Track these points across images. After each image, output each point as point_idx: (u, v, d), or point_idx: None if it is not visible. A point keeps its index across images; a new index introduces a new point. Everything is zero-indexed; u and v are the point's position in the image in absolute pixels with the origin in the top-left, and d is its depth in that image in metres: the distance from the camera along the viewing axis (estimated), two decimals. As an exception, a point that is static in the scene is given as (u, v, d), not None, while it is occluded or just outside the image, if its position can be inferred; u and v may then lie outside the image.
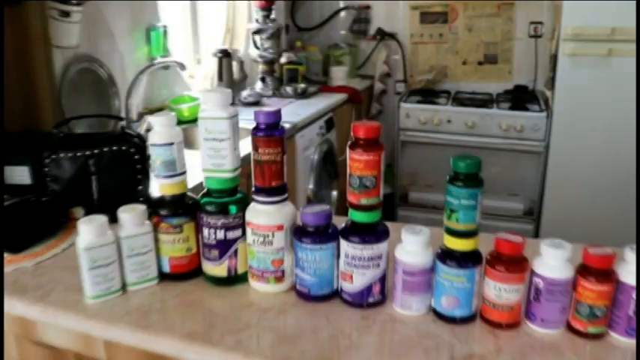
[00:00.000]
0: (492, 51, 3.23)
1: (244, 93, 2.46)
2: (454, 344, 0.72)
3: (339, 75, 3.06)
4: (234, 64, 2.51)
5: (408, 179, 3.14)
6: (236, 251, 0.86)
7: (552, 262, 0.73)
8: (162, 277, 0.90)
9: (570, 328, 0.75)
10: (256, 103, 2.47)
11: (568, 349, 0.72)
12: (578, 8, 2.60)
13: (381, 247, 0.78)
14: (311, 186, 2.32)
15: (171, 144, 0.86)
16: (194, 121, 2.17)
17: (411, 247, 0.76)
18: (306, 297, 0.83)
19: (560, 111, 2.72)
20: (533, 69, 3.15)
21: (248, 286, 0.88)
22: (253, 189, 0.84)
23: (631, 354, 0.71)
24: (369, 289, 0.79)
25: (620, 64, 2.57)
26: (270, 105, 2.50)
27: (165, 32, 2.06)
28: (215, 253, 0.86)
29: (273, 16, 2.70)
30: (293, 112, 2.38)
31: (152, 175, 0.91)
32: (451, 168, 0.73)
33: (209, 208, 0.86)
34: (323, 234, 0.80)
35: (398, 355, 0.71)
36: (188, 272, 0.90)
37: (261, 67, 2.72)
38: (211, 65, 2.48)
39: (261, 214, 0.83)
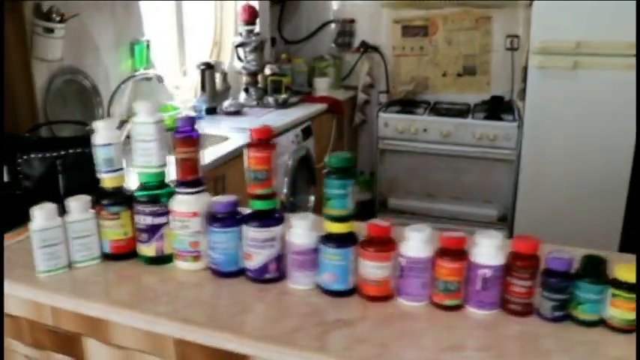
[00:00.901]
0: (471, 63, 3.37)
1: (226, 103, 2.63)
2: (328, 312, 0.87)
3: (321, 86, 3.22)
4: (218, 76, 2.68)
5: (387, 186, 3.27)
6: (162, 235, 1.02)
7: (413, 243, 0.87)
8: (105, 256, 1.06)
9: (432, 301, 0.88)
10: (237, 113, 2.63)
11: (425, 317, 0.86)
12: (545, 22, 2.74)
13: (274, 230, 0.93)
14: (285, 190, 2.47)
15: (110, 144, 1.02)
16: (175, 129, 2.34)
17: (298, 230, 0.91)
18: (217, 273, 0.98)
19: (530, 121, 2.85)
20: (510, 80, 3.28)
21: (174, 265, 1.03)
22: (175, 182, 1.00)
23: (478, 322, 0.85)
24: (266, 267, 0.94)
25: (586, 76, 2.70)
26: (251, 114, 2.67)
27: (148, 46, 2.24)
28: (145, 236, 1.02)
29: (257, 30, 2.88)
30: (270, 120, 2.54)
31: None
32: (327, 164, 0.87)
33: (141, 198, 1.01)
34: (229, 220, 0.95)
35: (277, 318, 0.85)
36: (126, 253, 1.06)
37: (244, 79, 2.89)
38: (196, 77, 2.65)
39: (180, 203, 0.98)
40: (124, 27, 2.19)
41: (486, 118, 3.07)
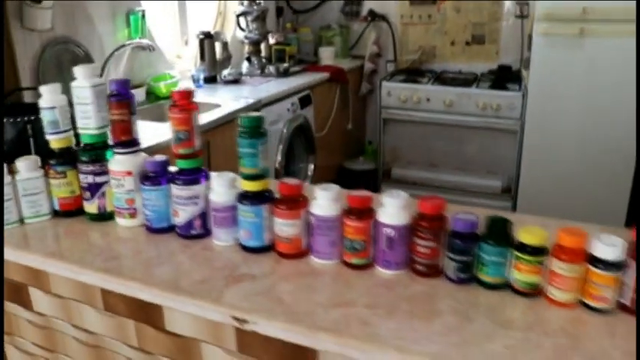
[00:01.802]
0: (480, 31, 3.29)
1: (225, 72, 2.67)
2: (240, 266, 0.91)
3: (326, 55, 3.21)
4: (218, 45, 2.71)
5: (391, 156, 3.27)
6: (104, 193, 1.07)
7: (321, 202, 0.89)
8: (55, 213, 1.13)
9: (342, 260, 0.91)
10: (236, 81, 2.67)
11: (330, 275, 0.89)
12: (550, -13, 2.64)
13: (197, 189, 0.97)
14: (279, 157, 2.50)
15: (54, 107, 1.07)
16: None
17: (218, 188, 0.95)
18: (150, 229, 1.03)
19: (534, 90, 2.77)
20: (520, 49, 3.19)
21: (115, 221, 1.09)
22: (111, 142, 1.04)
23: (381, 281, 0.87)
24: (191, 223, 0.99)
25: (593, 44, 2.60)
26: (249, 83, 2.70)
27: (143, 16, 2.28)
28: (88, 194, 1.08)
29: (259, -1, 2.89)
30: (267, 89, 2.57)
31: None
32: (239, 124, 0.90)
33: (83, 158, 1.07)
34: (159, 178, 1.00)
35: (189, 271, 0.90)
36: (73, 210, 1.12)
37: (247, 48, 2.91)
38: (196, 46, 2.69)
39: (116, 162, 1.03)
40: (118, -3, 2.24)
41: (491, 87, 3.01)
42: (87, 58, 2.08)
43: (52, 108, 1.08)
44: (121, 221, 1.07)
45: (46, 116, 1.08)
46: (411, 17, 3.39)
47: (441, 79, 3.18)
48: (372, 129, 3.53)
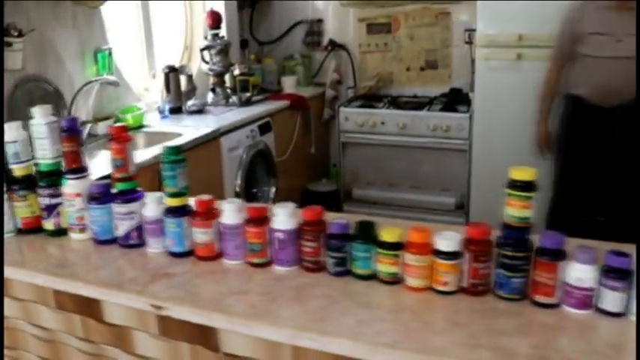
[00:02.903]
0: (432, 57, 3.55)
1: (189, 103, 2.90)
2: (164, 268, 1.11)
3: (288, 84, 3.46)
4: (183, 78, 2.95)
5: (351, 177, 3.48)
6: (59, 212, 1.28)
7: (227, 213, 1.10)
8: (19, 231, 1.33)
9: (246, 261, 1.12)
10: (200, 111, 2.89)
11: (235, 272, 1.09)
12: (489, 16, 2.91)
13: (133, 206, 1.18)
14: (239, 181, 2.71)
15: (16, 141, 1.28)
16: (138, 127, 2.62)
17: (149, 205, 1.16)
18: (97, 242, 1.23)
19: (479, 111, 3.02)
20: (469, 73, 3.44)
21: (69, 236, 1.29)
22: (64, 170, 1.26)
23: (274, 276, 1.07)
24: (129, 235, 1.19)
25: (529, 67, 2.86)
26: (212, 113, 2.92)
27: (110, 54, 2.51)
28: (45, 213, 1.28)
29: (222, 33, 3.13)
30: (227, 118, 2.79)
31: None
32: (162, 154, 1.11)
33: (41, 183, 1.28)
34: (103, 198, 1.21)
35: (125, 272, 1.10)
36: (34, 228, 1.32)
37: (211, 80, 3.15)
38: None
39: (68, 186, 1.24)
40: (88, 37, 2.47)
41: (442, 109, 3.25)
42: (57, 94, 2.30)
43: (15, 142, 1.29)
44: (73, 236, 1.27)
45: (9, 148, 1.29)
46: (369, 46, 3.65)
47: (396, 103, 3.43)
48: (335, 152, 3.76)
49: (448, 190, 3.31)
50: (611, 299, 0.91)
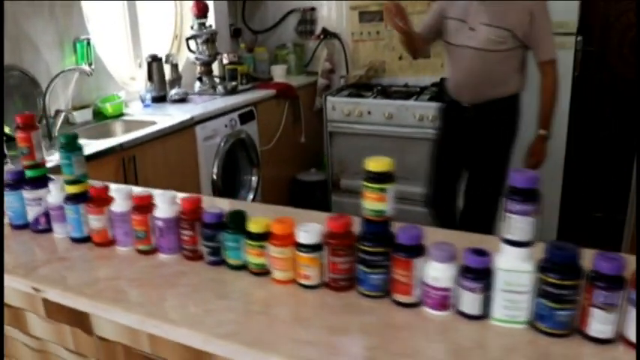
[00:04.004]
0: (424, 46, 3.48)
1: (172, 92, 2.96)
2: (60, 252, 1.16)
3: (278, 72, 3.47)
4: (167, 67, 3.01)
5: (339, 167, 3.48)
6: None
7: (117, 201, 1.14)
8: None
9: (134, 247, 1.16)
10: (183, 100, 2.95)
11: (122, 258, 1.13)
12: None
13: (40, 192, 1.23)
14: (215, 170, 2.76)
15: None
16: (117, 116, 2.70)
17: (52, 192, 1.21)
18: (12, 226, 1.30)
19: (464, 102, 2.96)
20: (461, 62, 3.37)
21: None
22: None
23: (157, 261, 1.11)
24: (38, 220, 1.25)
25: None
26: (195, 101, 2.97)
27: (88, 43, 2.59)
28: None
29: (209, 23, 3.17)
30: (207, 106, 2.84)
31: None
32: (59, 141, 1.16)
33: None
34: (14, 185, 1.27)
35: (25, 255, 1.16)
36: None
37: (198, 69, 3.20)
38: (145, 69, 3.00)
39: None
40: (66, 27, 2.55)
41: (430, 99, 3.21)
42: (33, 83, 2.39)
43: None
44: (-4, 219, 1.34)
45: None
46: (361, 34, 3.62)
47: (385, 92, 3.40)
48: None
49: (435, 181, 3.27)
50: (468, 300, 0.88)
